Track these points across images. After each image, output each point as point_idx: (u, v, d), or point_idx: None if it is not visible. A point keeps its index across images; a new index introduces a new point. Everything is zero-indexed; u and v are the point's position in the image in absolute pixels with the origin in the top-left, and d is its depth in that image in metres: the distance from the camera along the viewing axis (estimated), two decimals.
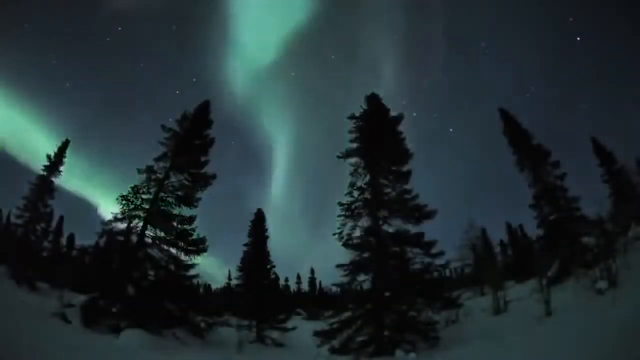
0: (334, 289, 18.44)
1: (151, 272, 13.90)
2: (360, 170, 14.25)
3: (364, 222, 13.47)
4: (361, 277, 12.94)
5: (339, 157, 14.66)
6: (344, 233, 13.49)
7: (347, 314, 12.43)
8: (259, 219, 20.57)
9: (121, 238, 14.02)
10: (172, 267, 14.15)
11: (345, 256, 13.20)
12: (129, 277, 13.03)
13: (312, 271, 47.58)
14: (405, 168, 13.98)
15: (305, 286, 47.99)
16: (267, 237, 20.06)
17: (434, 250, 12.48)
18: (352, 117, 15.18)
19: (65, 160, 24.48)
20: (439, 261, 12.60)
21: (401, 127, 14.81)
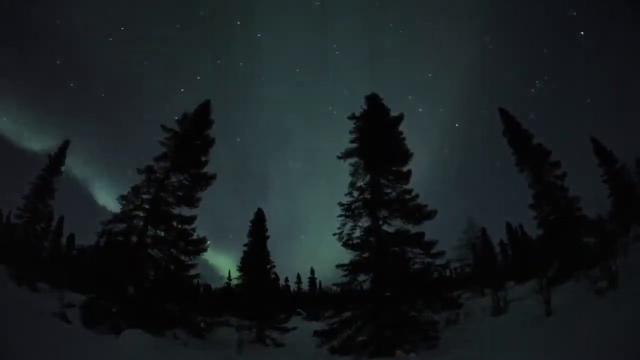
0: (334, 289, 18.41)
1: (151, 272, 13.91)
2: (360, 170, 14.26)
3: (364, 222, 13.49)
4: (361, 277, 12.96)
5: (339, 157, 14.67)
6: (344, 233, 13.51)
7: (347, 314, 12.45)
8: (259, 218, 20.55)
9: (121, 238, 14.02)
10: (172, 267, 14.16)
11: (345, 256, 13.24)
12: (129, 277, 13.04)
13: (312, 271, 47.55)
14: (405, 168, 13.99)
15: (305, 286, 48.01)
16: (267, 237, 20.06)
17: (434, 250, 12.51)
18: (352, 117, 15.19)
19: (65, 160, 24.63)
20: (439, 261, 12.63)
21: (404, 123, 14.83)
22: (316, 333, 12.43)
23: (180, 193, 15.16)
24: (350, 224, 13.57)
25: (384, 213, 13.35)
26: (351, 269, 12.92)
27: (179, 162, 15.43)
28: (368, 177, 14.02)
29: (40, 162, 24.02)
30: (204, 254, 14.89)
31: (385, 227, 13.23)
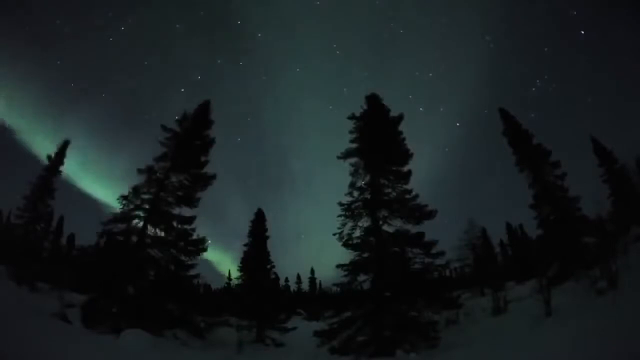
0: (334, 289, 18.43)
1: (151, 272, 13.91)
2: (360, 170, 14.25)
3: (364, 222, 13.48)
4: (361, 277, 12.95)
5: (338, 157, 14.67)
6: (344, 233, 13.50)
7: (347, 314, 12.45)
8: (259, 218, 20.55)
9: (121, 238, 14.02)
10: (172, 267, 14.17)
11: (345, 256, 13.23)
12: (129, 277, 13.03)
13: (312, 271, 47.53)
14: (405, 168, 13.97)
15: (305, 286, 48.00)
16: (267, 237, 20.06)
17: (434, 250, 12.50)
18: (352, 117, 15.18)
19: (65, 160, 24.62)
20: (439, 261, 12.62)
21: (404, 123, 14.78)
22: (316, 333, 12.42)
23: (180, 193, 15.15)
24: (350, 224, 13.57)
25: (384, 213, 13.35)
26: (351, 269, 12.91)
27: (179, 162, 15.42)
28: (368, 177, 14.00)
29: (40, 162, 24.02)
30: (204, 253, 14.93)
31: (385, 227, 13.22)
